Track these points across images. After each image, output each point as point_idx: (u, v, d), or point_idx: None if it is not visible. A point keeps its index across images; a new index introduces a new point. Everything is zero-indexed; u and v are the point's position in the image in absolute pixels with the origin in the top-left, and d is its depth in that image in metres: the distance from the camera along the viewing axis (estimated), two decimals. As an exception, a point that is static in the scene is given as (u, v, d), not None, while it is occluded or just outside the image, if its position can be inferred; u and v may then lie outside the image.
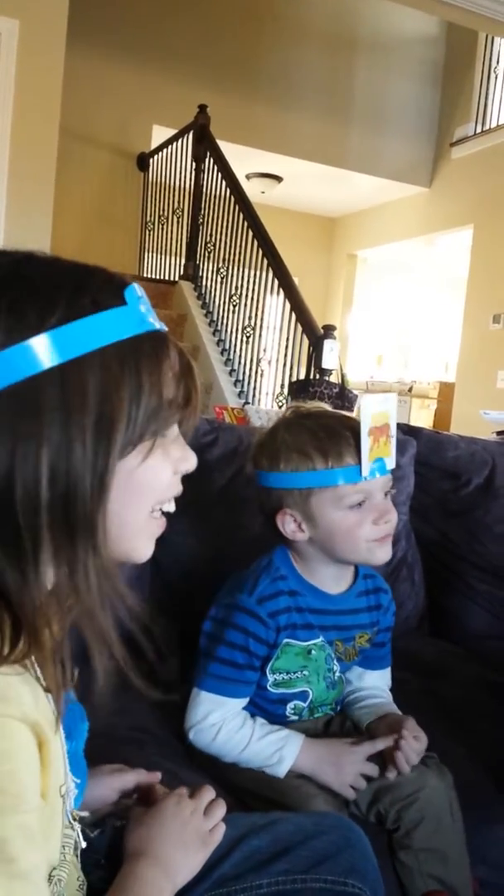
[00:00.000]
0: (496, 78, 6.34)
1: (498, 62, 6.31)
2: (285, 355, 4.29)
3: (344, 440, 1.01)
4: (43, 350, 0.53)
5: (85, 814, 0.72)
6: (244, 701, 1.07)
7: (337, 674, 1.13)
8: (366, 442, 0.99)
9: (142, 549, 0.62)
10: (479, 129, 6.38)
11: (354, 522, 1.02)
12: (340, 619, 1.11)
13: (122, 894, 0.66)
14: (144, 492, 0.60)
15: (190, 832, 0.73)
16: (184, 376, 0.61)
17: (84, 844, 0.68)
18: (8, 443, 0.52)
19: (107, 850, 0.74)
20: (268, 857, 0.79)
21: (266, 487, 1.06)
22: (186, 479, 0.64)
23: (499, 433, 2.63)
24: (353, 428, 1.01)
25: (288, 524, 1.05)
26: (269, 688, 1.08)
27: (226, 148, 4.85)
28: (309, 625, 1.08)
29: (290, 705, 1.10)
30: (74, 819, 0.66)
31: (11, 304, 0.53)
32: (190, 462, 0.64)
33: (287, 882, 0.78)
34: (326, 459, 1.00)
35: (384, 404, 1.01)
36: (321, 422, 1.04)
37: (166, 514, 0.64)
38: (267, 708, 1.10)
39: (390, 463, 1.03)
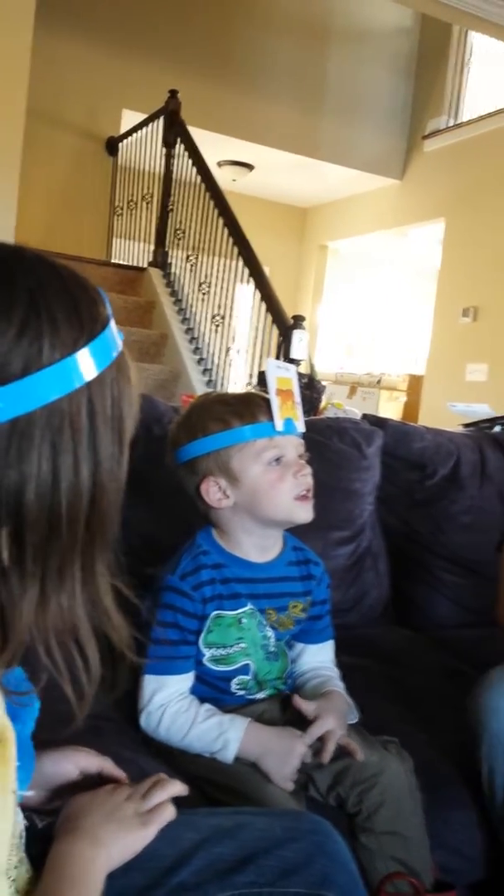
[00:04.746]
0: (469, 72, 6.37)
1: (471, 56, 6.35)
2: (254, 345, 4.28)
3: (255, 403, 1.10)
4: (82, 365, 0.53)
5: (30, 793, 0.71)
6: (186, 678, 1.09)
7: (273, 641, 1.15)
8: (275, 400, 1.08)
9: None
10: (451, 123, 6.42)
11: (276, 477, 1.09)
12: (270, 587, 1.15)
13: (51, 874, 0.64)
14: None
15: (124, 810, 0.71)
16: None
17: (27, 823, 0.67)
18: (50, 460, 0.52)
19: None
20: (232, 865, 0.74)
21: (188, 462, 1.11)
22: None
23: (466, 425, 2.65)
24: (263, 396, 1.11)
25: (213, 492, 1.10)
26: (206, 663, 1.10)
27: (197, 134, 4.82)
28: (236, 594, 1.12)
29: (235, 681, 1.12)
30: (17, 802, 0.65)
31: (52, 317, 0.53)
32: None
33: (252, 895, 0.73)
34: (242, 419, 1.08)
35: (287, 372, 1.13)
36: (233, 395, 1.16)
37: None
38: (214, 684, 1.12)
39: (300, 426, 1.12)
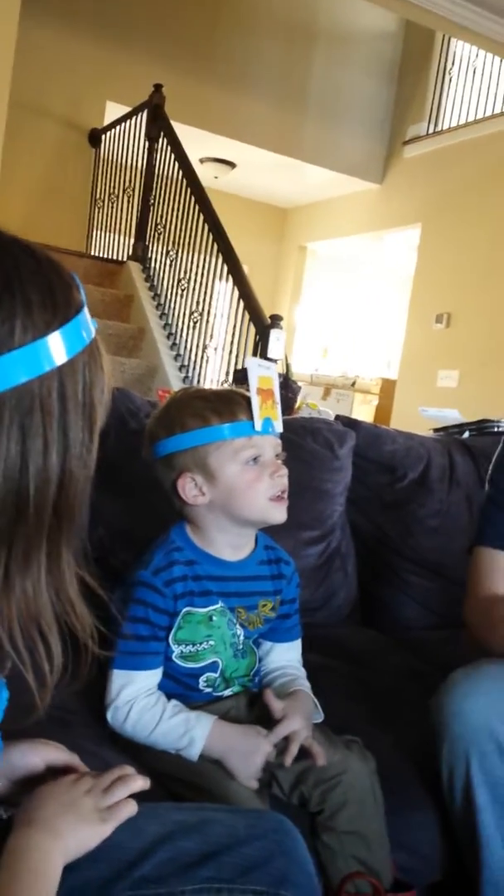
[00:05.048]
0: (450, 80, 6.42)
1: (453, 64, 6.40)
2: (231, 342, 4.29)
3: (234, 401, 1.09)
4: (53, 348, 0.53)
5: None
6: (154, 673, 1.08)
7: (241, 639, 1.15)
8: (255, 399, 1.08)
9: None
10: (431, 130, 6.47)
11: (253, 477, 1.08)
12: (241, 586, 1.15)
13: (8, 867, 0.63)
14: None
15: (84, 804, 0.70)
16: None
17: None
18: (20, 443, 0.52)
19: None
20: (194, 860, 0.74)
21: (165, 457, 1.10)
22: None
23: (436, 430, 2.67)
24: (242, 394, 1.10)
25: (189, 488, 1.09)
26: (175, 660, 1.10)
27: (180, 129, 4.80)
28: (207, 591, 1.11)
29: (203, 678, 1.12)
30: None
31: (27, 298, 0.52)
32: None
33: (211, 890, 0.73)
34: (221, 416, 1.07)
35: (268, 371, 1.12)
36: (212, 391, 1.15)
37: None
38: (182, 681, 1.11)
39: (278, 426, 1.12)
